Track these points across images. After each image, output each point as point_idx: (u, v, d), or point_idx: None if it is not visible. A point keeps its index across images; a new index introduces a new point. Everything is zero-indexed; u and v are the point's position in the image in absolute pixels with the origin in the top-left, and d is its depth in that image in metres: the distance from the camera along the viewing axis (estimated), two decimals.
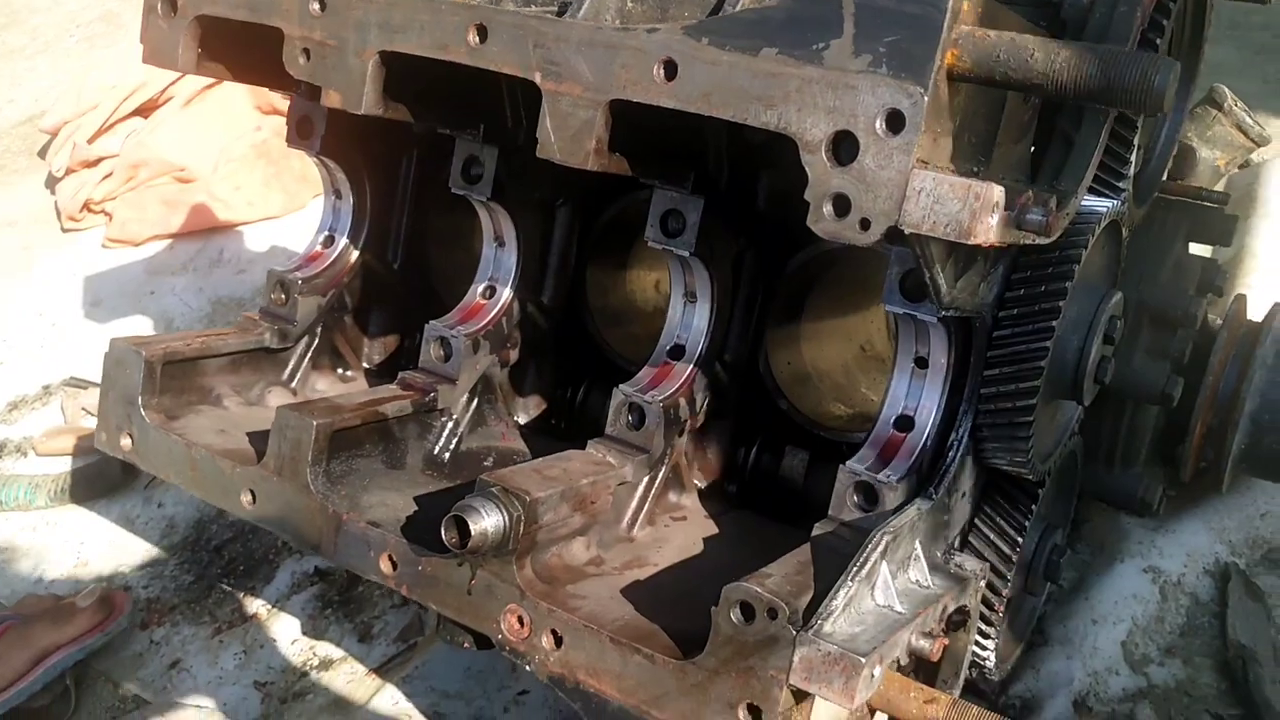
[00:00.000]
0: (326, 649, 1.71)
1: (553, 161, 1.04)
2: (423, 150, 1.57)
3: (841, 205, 0.90)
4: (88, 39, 3.55)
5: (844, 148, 0.90)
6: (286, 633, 1.74)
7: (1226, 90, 1.66)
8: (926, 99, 0.87)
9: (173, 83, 2.65)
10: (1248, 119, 1.66)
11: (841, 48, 0.90)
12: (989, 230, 0.88)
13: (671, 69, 0.97)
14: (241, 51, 1.30)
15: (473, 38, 1.07)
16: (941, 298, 1.00)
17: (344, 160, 1.50)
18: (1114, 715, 1.47)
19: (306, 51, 1.18)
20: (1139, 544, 1.59)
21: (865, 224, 0.90)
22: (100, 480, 2.00)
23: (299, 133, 1.48)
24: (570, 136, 1.03)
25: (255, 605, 1.80)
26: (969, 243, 0.87)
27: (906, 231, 0.88)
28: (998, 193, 0.88)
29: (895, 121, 0.88)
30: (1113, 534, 1.62)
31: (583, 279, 1.56)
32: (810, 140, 0.91)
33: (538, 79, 1.04)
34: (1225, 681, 1.47)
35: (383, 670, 1.65)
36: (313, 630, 1.74)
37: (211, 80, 2.68)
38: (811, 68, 0.91)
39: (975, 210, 0.86)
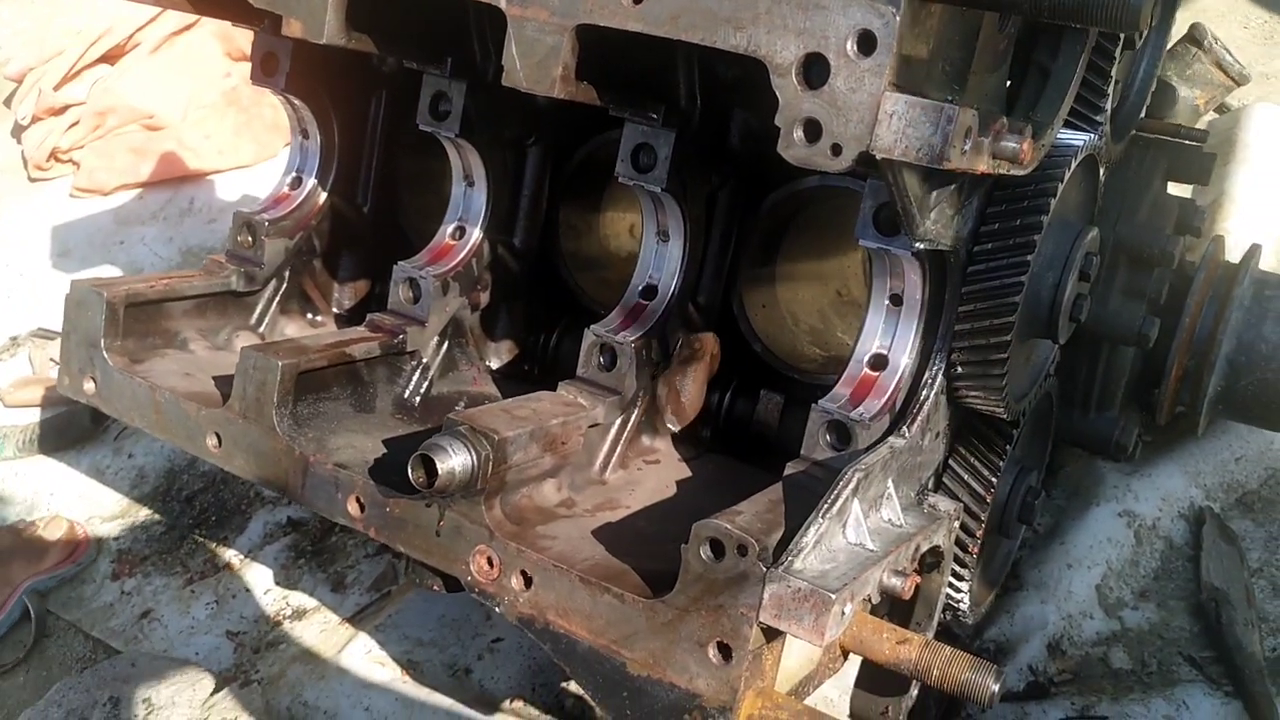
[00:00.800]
0: (300, 599, 1.69)
1: (519, 90, 1.02)
2: (392, 90, 1.54)
3: (812, 130, 0.88)
4: None
5: (815, 70, 0.88)
6: (259, 583, 1.72)
7: (1207, 28, 1.64)
8: (899, 18, 0.84)
9: (140, 28, 2.60)
10: (1228, 56, 1.64)
11: None
12: (962, 155, 0.86)
13: None
14: None
15: None
16: (915, 229, 0.98)
17: (310, 98, 1.47)
18: (1087, 659, 1.47)
19: None
20: (1114, 488, 1.59)
21: (836, 149, 0.87)
22: (69, 430, 1.97)
23: (264, 70, 1.44)
24: (536, 63, 1.00)
25: (228, 555, 1.78)
26: (942, 167, 0.85)
27: (878, 157, 0.86)
28: (971, 116, 0.86)
29: (867, 42, 0.85)
30: (1088, 478, 1.62)
31: (555, 221, 1.54)
32: (780, 63, 0.89)
33: (503, 4, 1.01)
34: (1198, 624, 1.47)
35: (356, 619, 1.64)
36: (285, 580, 1.72)
37: (179, 25, 2.64)
38: None
39: (948, 134, 0.84)
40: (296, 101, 1.47)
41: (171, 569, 1.78)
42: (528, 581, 1.07)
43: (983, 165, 0.92)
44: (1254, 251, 1.49)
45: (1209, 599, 1.47)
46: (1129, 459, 1.53)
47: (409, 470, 1.06)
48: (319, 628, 1.64)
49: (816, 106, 0.87)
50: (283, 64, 1.42)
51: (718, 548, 0.97)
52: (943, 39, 0.93)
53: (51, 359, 2.11)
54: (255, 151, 2.55)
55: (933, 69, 0.94)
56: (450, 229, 1.43)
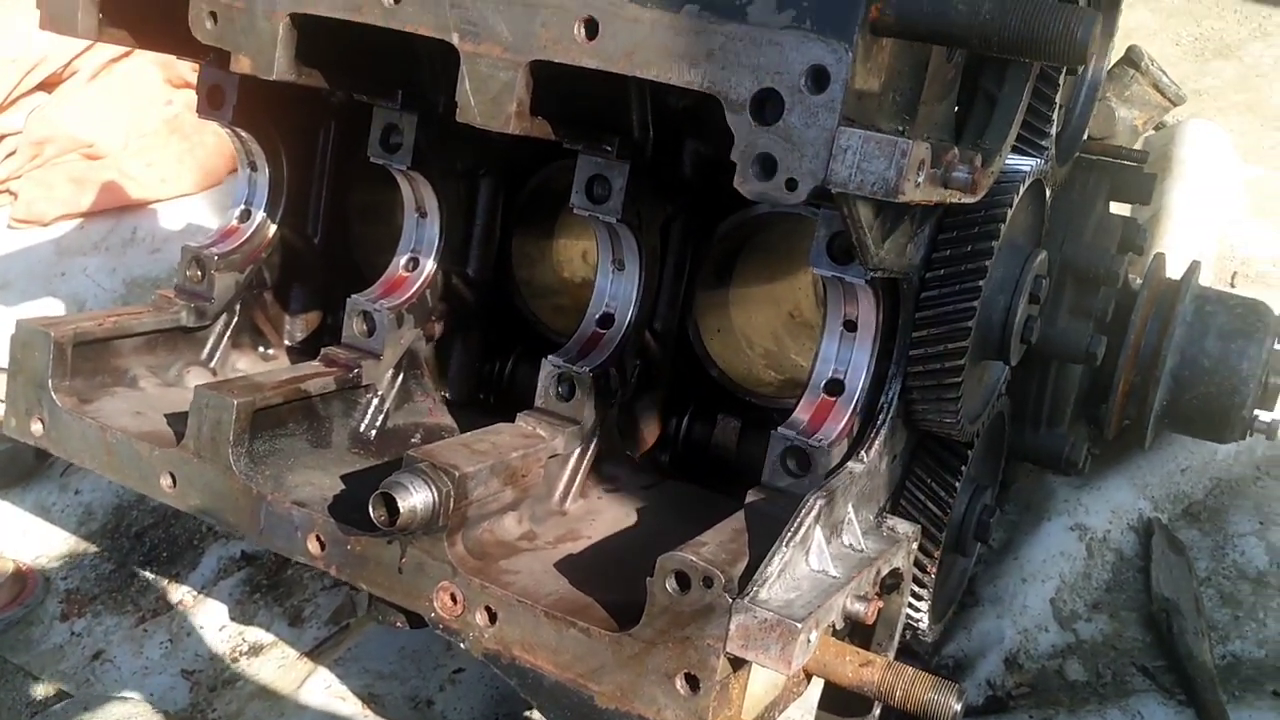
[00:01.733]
0: (256, 634, 1.67)
1: (473, 125, 1.02)
2: (341, 121, 1.53)
3: (768, 165, 0.89)
4: None
5: (769, 106, 0.89)
6: (214, 619, 1.70)
7: (1144, 50, 1.68)
8: (851, 55, 0.85)
9: (77, 55, 2.55)
10: (1164, 78, 1.68)
11: (765, 4, 0.89)
12: (916, 187, 0.88)
13: (593, 27, 0.95)
14: (145, 15, 1.25)
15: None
16: (869, 258, 1.00)
17: (258, 131, 1.46)
18: (1044, 672, 1.49)
19: (213, 15, 1.13)
20: (1065, 502, 1.62)
21: (792, 184, 0.88)
22: (13, 467, 1.93)
23: (210, 102, 1.43)
24: (490, 99, 1.00)
25: (180, 592, 1.75)
26: (896, 201, 0.86)
27: (834, 191, 0.87)
28: (924, 150, 0.87)
29: (820, 79, 0.86)
30: (1040, 493, 1.65)
31: (508, 250, 1.54)
32: (735, 99, 0.90)
33: (455, 40, 1.01)
34: (1150, 634, 1.50)
35: (315, 654, 1.62)
36: (241, 616, 1.70)
37: (118, 53, 2.60)
38: (734, 24, 0.89)
39: (902, 168, 0.85)
40: (244, 134, 1.45)
41: (123, 608, 1.75)
42: (492, 617, 1.07)
43: (936, 196, 0.94)
44: (1194, 268, 1.53)
45: (1160, 609, 1.49)
46: (1079, 473, 1.55)
47: (370, 509, 1.05)
48: (277, 663, 1.62)
49: (771, 142, 0.88)
50: (229, 97, 1.41)
51: (683, 580, 0.97)
52: (893, 71, 0.95)
53: None
54: (199, 179, 2.52)
55: (884, 100, 0.95)
56: (403, 260, 1.42)
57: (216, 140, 2.51)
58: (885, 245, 1.01)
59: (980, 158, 1.02)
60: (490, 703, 1.53)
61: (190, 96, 2.58)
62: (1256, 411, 1.50)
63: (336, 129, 1.54)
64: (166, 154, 2.48)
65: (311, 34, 1.12)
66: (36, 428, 1.36)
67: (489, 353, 1.54)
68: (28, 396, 1.36)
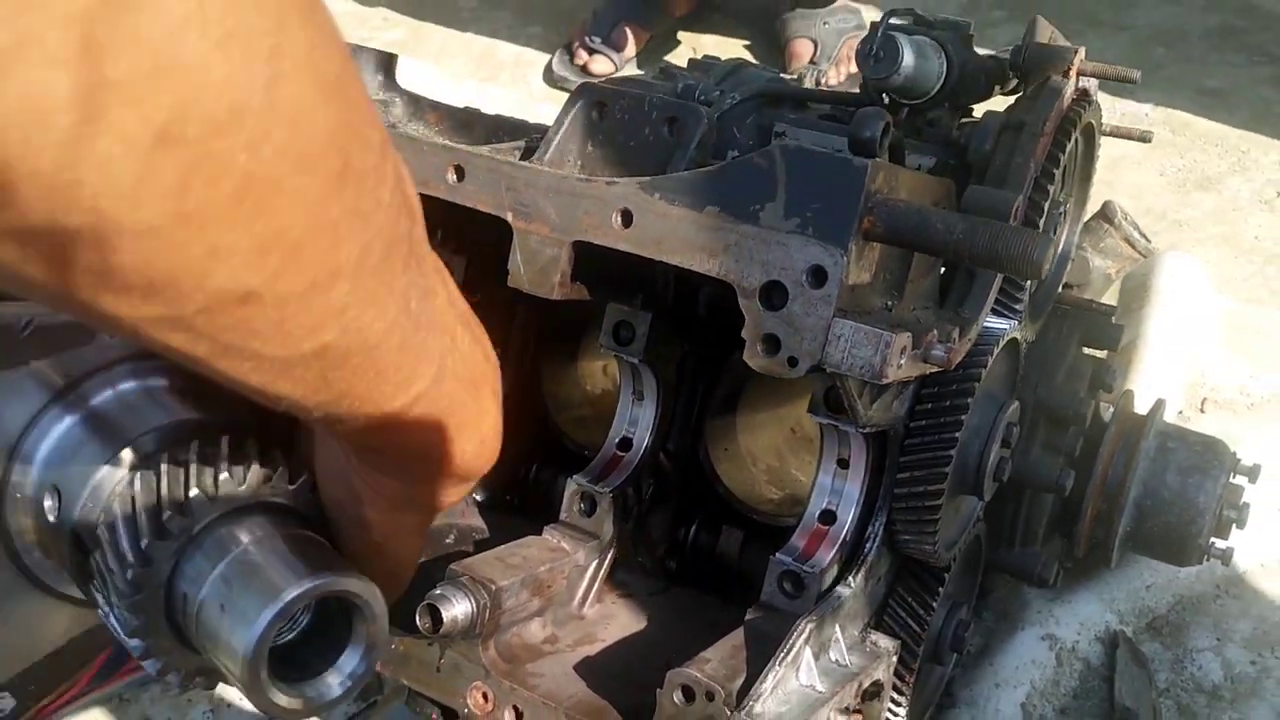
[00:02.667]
0: None
1: (521, 289, 1.18)
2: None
3: (772, 344, 1.05)
4: None
5: (775, 295, 1.05)
6: None
7: (1118, 206, 1.84)
8: (846, 259, 1.02)
9: None
10: (1135, 233, 1.84)
11: (774, 210, 1.05)
12: (897, 370, 1.04)
13: (628, 218, 1.12)
14: None
15: (451, 177, 1.21)
16: (859, 419, 1.16)
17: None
18: None
19: None
20: (1038, 613, 1.76)
21: (793, 361, 1.05)
22: None
23: None
24: (539, 270, 1.17)
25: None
26: (880, 382, 1.02)
27: (828, 370, 1.04)
28: (905, 339, 1.04)
29: (819, 276, 1.03)
30: (1015, 604, 1.79)
31: (537, 370, 1.70)
32: (746, 287, 1.06)
33: (509, 217, 1.18)
34: None
35: None
36: None
37: None
38: (748, 225, 1.06)
39: (886, 355, 1.01)
40: None
41: (160, 680, 1.89)
42: (519, 716, 1.21)
43: (916, 371, 1.10)
44: (1159, 406, 1.68)
45: (1121, 717, 1.63)
46: (1051, 587, 1.69)
47: (416, 617, 1.20)
48: None
49: (776, 325, 1.05)
50: None
51: (689, 693, 1.12)
52: (883, 262, 1.11)
53: None
54: None
55: (875, 284, 1.12)
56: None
57: None
58: (874, 407, 1.17)
59: (958, 331, 1.19)
60: None
61: None
62: (1213, 540, 1.64)
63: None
64: None
65: None
66: None
67: (516, 459, 1.70)
68: None
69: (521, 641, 1.32)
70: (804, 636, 1.19)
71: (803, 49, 3.10)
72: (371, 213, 0.53)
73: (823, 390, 1.28)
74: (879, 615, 1.43)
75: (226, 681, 0.69)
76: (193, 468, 0.66)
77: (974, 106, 1.48)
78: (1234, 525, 1.63)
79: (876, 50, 1.33)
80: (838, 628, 1.28)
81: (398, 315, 0.57)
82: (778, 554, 1.31)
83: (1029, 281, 1.38)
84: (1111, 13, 3.14)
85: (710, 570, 1.61)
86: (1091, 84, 1.41)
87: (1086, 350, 1.69)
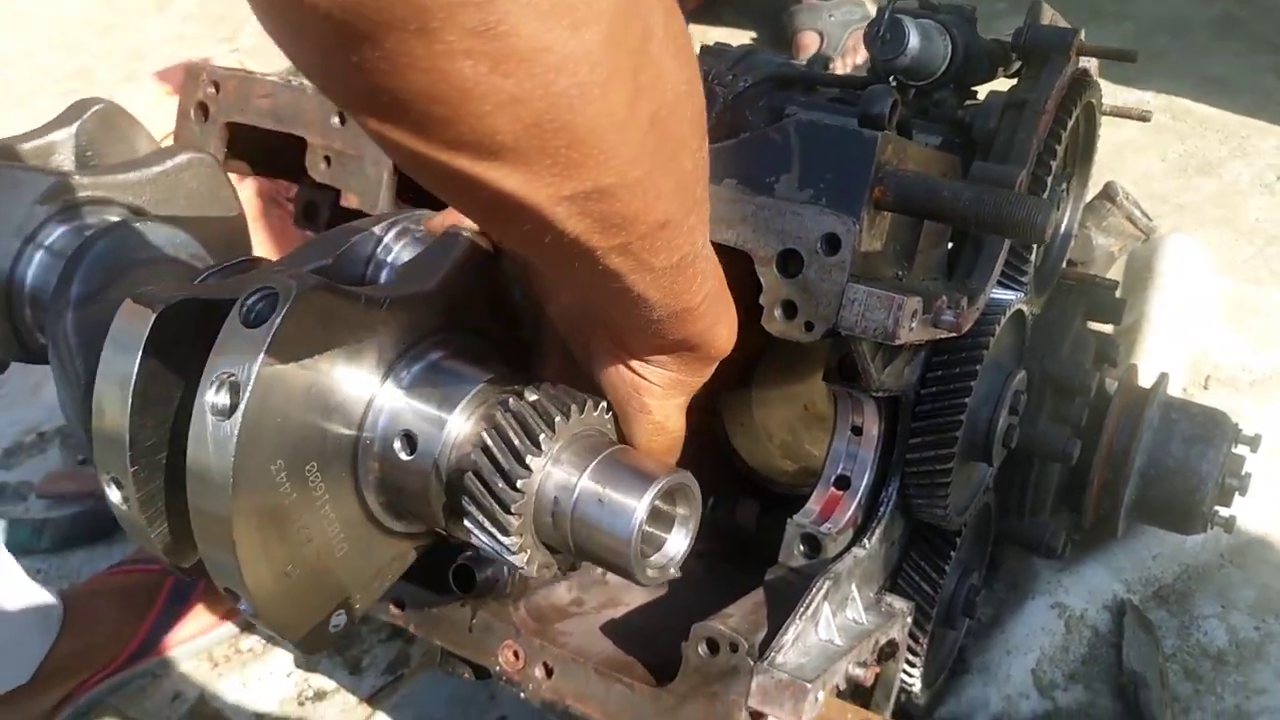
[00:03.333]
0: (319, 681, 1.87)
1: None
2: None
3: (789, 310, 1.10)
4: (64, 94, 3.67)
5: (791, 263, 1.10)
6: (281, 667, 1.89)
7: (1119, 185, 1.89)
8: (859, 226, 1.07)
9: (161, 140, 2.80)
10: (1136, 211, 1.89)
11: (789, 182, 1.11)
12: (910, 331, 1.09)
13: None
14: (265, 153, 1.47)
15: None
16: (872, 383, 1.21)
17: None
18: None
19: (328, 159, 1.36)
20: (1047, 583, 1.81)
21: (809, 326, 1.10)
22: (99, 524, 2.14)
23: (305, 215, 1.65)
24: None
25: (249, 641, 1.95)
26: (893, 343, 1.08)
27: (842, 334, 1.09)
28: (916, 303, 1.09)
29: (832, 244, 1.08)
30: (1024, 574, 1.84)
31: None
32: (763, 256, 1.11)
33: None
34: (1120, 704, 1.68)
35: (373, 699, 1.81)
36: (305, 664, 1.90)
37: None
38: (764, 197, 1.11)
39: (898, 318, 1.06)
40: None
41: (197, 654, 1.95)
42: (549, 672, 1.27)
43: (927, 336, 1.15)
44: (1162, 379, 1.73)
45: (1129, 682, 1.68)
46: (1059, 557, 1.74)
47: (450, 578, 1.26)
48: (339, 708, 1.82)
49: (793, 292, 1.10)
50: (323, 212, 1.63)
51: (713, 645, 1.17)
52: (894, 231, 1.16)
53: (79, 457, 2.28)
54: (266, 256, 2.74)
55: (886, 252, 1.17)
56: None
57: (280, 223, 2.75)
58: (886, 372, 1.22)
59: (967, 298, 1.24)
60: None
61: (258, 183, 2.82)
62: (1216, 508, 1.69)
63: None
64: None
65: (409, 179, 1.34)
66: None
67: None
68: None
69: (549, 603, 1.37)
70: (823, 592, 1.24)
71: (809, 41, 3.15)
72: (705, 154, 0.74)
73: (836, 358, 1.33)
74: (893, 578, 1.48)
75: (574, 566, 0.98)
76: (543, 402, 0.85)
77: (977, 89, 1.53)
78: (1236, 493, 1.68)
79: (884, 32, 1.38)
80: (854, 587, 1.33)
81: (706, 230, 0.80)
82: (795, 516, 1.36)
83: (1033, 253, 1.43)
84: (1115, 3, 3.19)
85: (728, 539, 1.66)
86: (1092, 64, 1.46)
87: (1091, 325, 1.74)
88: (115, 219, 1.21)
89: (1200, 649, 1.76)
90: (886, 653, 1.41)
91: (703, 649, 1.17)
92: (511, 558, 0.84)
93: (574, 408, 0.86)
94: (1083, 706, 1.69)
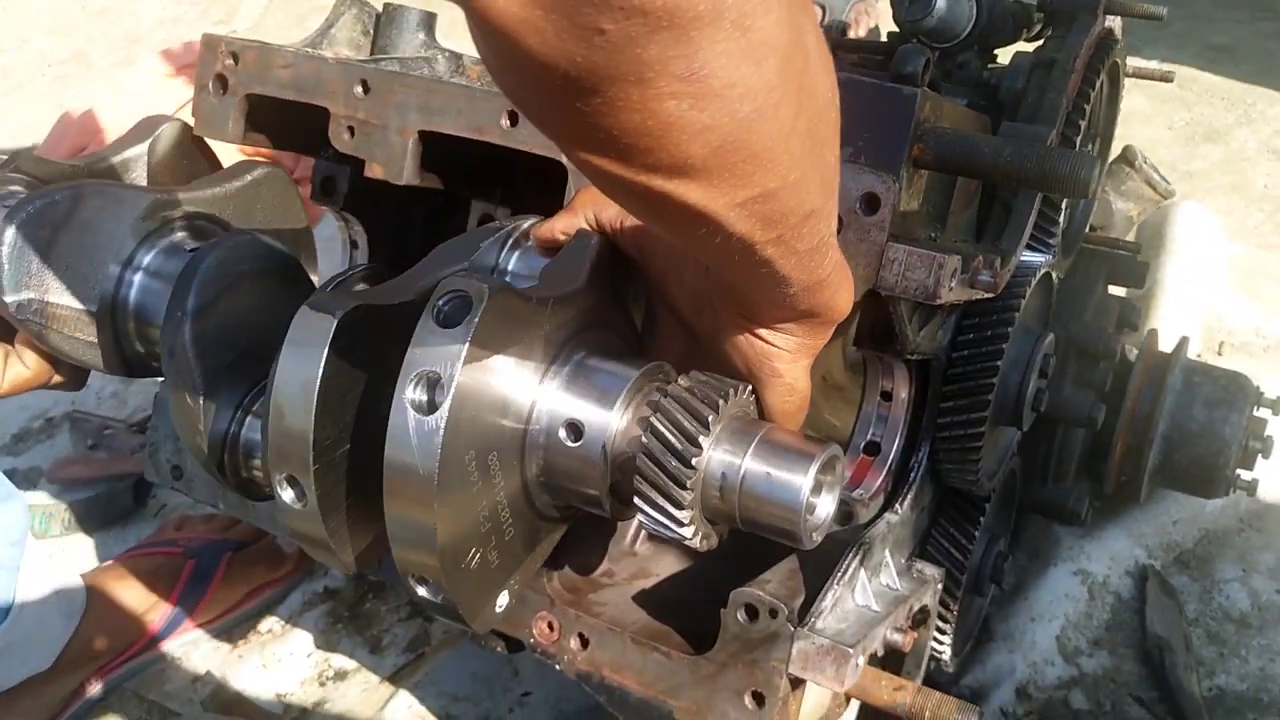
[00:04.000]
0: (340, 660, 1.85)
1: None
2: (431, 206, 1.74)
3: None
4: (60, 78, 3.65)
5: None
6: (301, 647, 1.88)
7: (1138, 150, 1.88)
8: (898, 185, 1.06)
9: None
10: (1155, 175, 1.88)
11: None
12: (950, 291, 1.08)
13: None
14: (285, 125, 1.45)
15: (505, 122, 1.25)
16: (907, 344, 1.20)
17: (362, 214, 1.66)
18: (1051, 701, 1.67)
19: (351, 129, 1.34)
20: (1069, 550, 1.80)
21: None
22: (113, 508, 2.13)
23: (323, 190, 1.63)
24: None
25: (269, 623, 1.94)
26: (934, 302, 1.06)
27: (882, 294, 1.08)
28: (955, 261, 1.08)
29: (872, 203, 1.07)
30: (1047, 542, 1.83)
31: None
32: None
33: (563, 159, 1.22)
34: (1145, 668, 1.68)
35: (395, 678, 1.80)
36: (325, 644, 1.89)
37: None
38: None
39: (939, 277, 1.05)
40: (350, 218, 1.66)
41: (216, 637, 1.94)
42: (584, 643, 1.26)
43: (965, 296, 1.14)
44: (1183, 343, 1.72)
45: (1153, 646, 1.68)
46: (1082, 524, 1.74)
47: None
48: (360, 687, 1.81)
49: None
50: (340, 186, 1.61)
51: (752, 611, 1.16)
52: (929, 191, 1.15)
53: (90, 441, 2.26)
54: None
55: (921, 214, 1.16)
56: None
57: None
58: (921, 334, 1.21)
59: (999, 259, 1.23)
60: None
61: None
62: (1239, 471, 1.69)
63: (426, 211, 1.75)
64: None
65: (432, 146, 1.32)
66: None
67: None
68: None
69: (581, 575, 1.36)
70: (859, 558, 1.23)
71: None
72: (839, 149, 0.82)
73: (869, 323, 1.32)
74: (922, 545, 1.47)
75: (722, 534, 1.01)
76: (700, 388, 0.92)
77: (998, 51, 1.52)
78: (1259, 456, 1.68)
79: None
80: (887, 553, 1.32)
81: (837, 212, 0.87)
82: None
83: (1060, 216, 1.42)
84: None
85: None
86: (1116, 23, 1.45)
87: (1112, 290, 1.73)
88: (212, 233, 1.30)
89: (1223, 613, 1.76)
90: (919, 619, 1.40)
91: (741, 615, 1.16)
92: (681, 529, 0.92)
93: (730, 392, 0.92)
94: (1108, 672, 1.69)
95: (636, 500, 0.92)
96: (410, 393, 0.82)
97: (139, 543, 1.99)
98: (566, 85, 0.58)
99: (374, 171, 1.34)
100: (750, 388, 0.97)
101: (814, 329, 0.97)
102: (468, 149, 1.35)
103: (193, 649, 1.90)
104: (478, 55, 1.41)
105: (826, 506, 0.97)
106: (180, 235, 1.28)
